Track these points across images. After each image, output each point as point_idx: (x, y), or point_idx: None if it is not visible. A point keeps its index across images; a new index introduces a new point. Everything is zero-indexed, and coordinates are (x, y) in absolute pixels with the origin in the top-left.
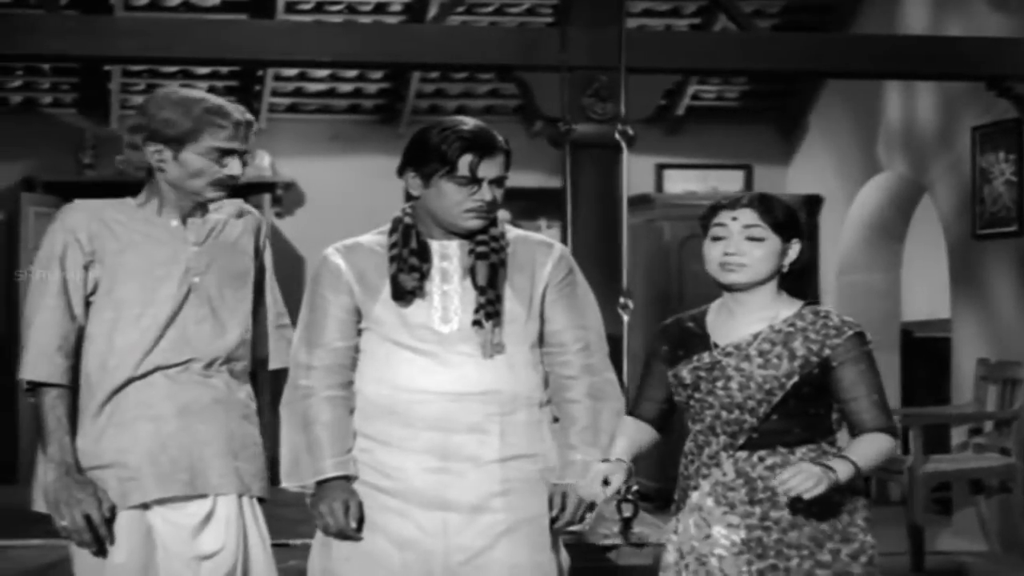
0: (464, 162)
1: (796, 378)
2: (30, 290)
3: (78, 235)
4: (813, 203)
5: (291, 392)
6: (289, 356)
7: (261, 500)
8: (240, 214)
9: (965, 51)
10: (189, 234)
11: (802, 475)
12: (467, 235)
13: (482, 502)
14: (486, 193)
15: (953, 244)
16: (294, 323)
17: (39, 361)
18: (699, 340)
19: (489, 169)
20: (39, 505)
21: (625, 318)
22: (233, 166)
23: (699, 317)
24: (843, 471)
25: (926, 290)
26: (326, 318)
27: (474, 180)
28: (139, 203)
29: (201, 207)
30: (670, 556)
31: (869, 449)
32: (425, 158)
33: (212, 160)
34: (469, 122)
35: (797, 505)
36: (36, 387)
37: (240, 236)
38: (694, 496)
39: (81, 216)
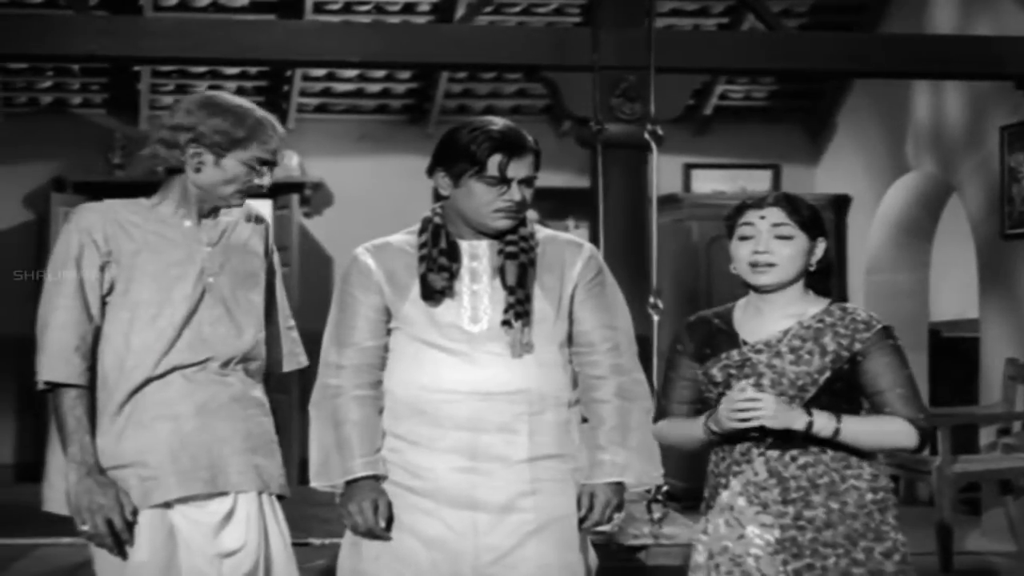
0: (493, 162)
1: (828, 373)
2: (45, 291)
3: (94, 236)
4: (841, 203)
5: (320, 391)
6: (300, 358)
7: (280, 497)
8: (248, 217)
9: (993, 50)
10: (202, 235)
11: (769, 407)
12: (496, 235)
13: (511, 502)
14: (515, 193)
15: (981, 244)
16: (323, 322)
17: (57, 362)
18: (727, 338)
19: (518, 169)
20: (52, 505)
21: (655, 318)
22: (266, 177)
23: (725, 315)
24: (820, 424)
25: (954, 290)
26: (356, 317)
27: (503, 180)
28: (153, 204)
29: (214, 210)
30: (700, 556)
31: (871, 423)
32: (455, 158)
33: (251, 168)
34: (499, 122)
35: (750, 431)
36: (54, 388)
37: (250, 238)
38: (724, 495)
39: (96, 217)
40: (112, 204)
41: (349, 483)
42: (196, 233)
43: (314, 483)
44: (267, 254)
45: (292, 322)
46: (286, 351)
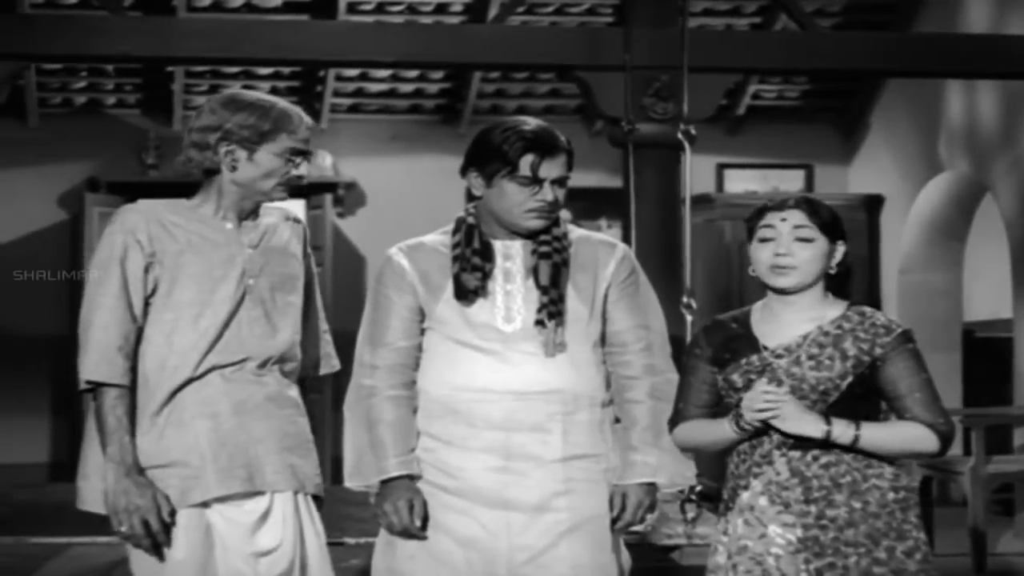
0: (526, 162)
1: (850, 378)
2: (87, 291)
3: (138, 236)
4: (874, 203)
5: (354, 392)
6: (333, 361)
7: (316, 498)
8: (287, 218)
9: None
10: (244, 237)
11: (786, 410)
12: (530, 235)
13: (544, 501)
14: (548, 193)
15: (1015, 243)
16: (357, 322)
17: (101, 362)
18: (745, 342)
19: (551, 169)
20: (88, 504)
21: (689, 318)
22: (303, 166)
23: (742, 318)
24: (838, 432)
25: (988, 290)
26: (389, 317)
27: (535, 180)
28: (194, 205)
29: (254, 211)
30: (720, 557)
31: (890, 430)
32: (487, 158)
33: (285, 160)
34: (531, 122)
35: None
36: (95, 388)
37: (289, 241)
38: (745, 496)
39: (139, 217)
40: (154, 205)
41: (384, 483)
42: (238, 235)
43: (348, 483)
44: (305, 257)
45: (326, 326)
46: (321, 354)
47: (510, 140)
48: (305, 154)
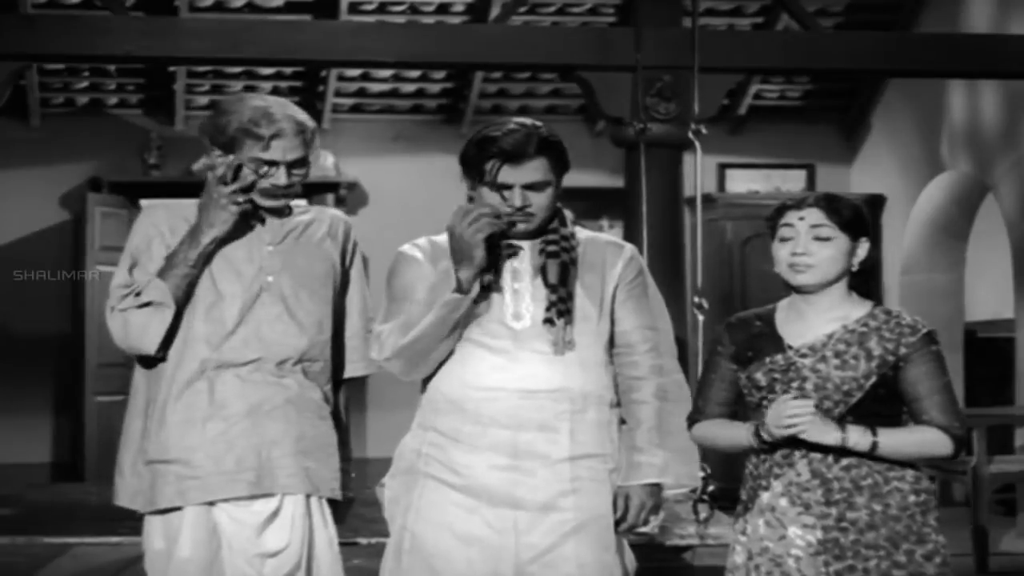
0: (489, 168)
1: (874, 378)
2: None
3: (162, 229)
4: (876, 203)
5: (380, 349)
6: (367, 363)
7: (332, 503)
8: (326, 219)
9: None
10: (266, 234)
11: (812, 421)
12: (534, 235)
13: (551, 500)
14: (516, 198)
15: (1017, 243)
16: None
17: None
18: (769, 341)
19: (517, 175)
20: (123, 500)
21: (700, 318)
22: (277, 176)
23: (766, 317)
24: (854, 440)
25: (990, 290)
26: (406, 302)
27: (500, 186)
28: None
29: (281, 210)
30: (739, 557)
31: (905, 436)
32: (466, 163)
33: (253, 170)
34: (507, 126)
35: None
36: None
37: (323, 240)
38: (765, 496)
39: (163, 214)
40: (180, 203)
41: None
42: (260, 233)
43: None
44: (343, 257)
45: (369, 328)
46: (349, 357)
47: (480, 146)
48: (276, 164)
